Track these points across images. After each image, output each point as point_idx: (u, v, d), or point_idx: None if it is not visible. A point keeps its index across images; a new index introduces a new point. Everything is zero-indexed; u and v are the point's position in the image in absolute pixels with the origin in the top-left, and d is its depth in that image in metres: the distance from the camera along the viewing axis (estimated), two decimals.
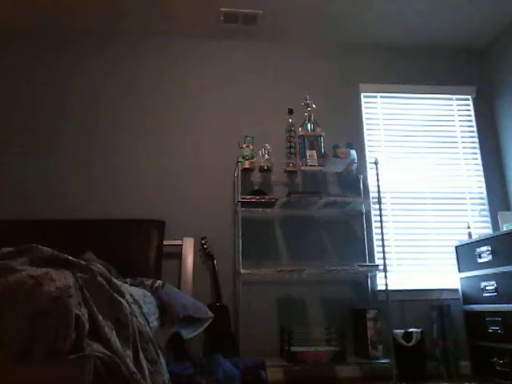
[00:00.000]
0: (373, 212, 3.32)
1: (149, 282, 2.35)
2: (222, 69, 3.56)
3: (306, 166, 3.05)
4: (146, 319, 1.47)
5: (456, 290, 3.13)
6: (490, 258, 2.75)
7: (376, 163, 3.10)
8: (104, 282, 1.26)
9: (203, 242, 3.06)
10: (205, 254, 3.08)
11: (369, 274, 3.13)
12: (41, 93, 3.37)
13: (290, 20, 3.41)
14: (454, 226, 3.37)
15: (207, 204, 3.21)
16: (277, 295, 3.05)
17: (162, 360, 1.39)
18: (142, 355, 1.26)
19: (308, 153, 3.07)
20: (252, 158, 3.09)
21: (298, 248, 3.14)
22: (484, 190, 3.46)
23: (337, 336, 2.90)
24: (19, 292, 1.00)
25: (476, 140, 3.59)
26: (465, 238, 3.15)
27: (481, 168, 3.52)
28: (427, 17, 3.39)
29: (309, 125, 3.16)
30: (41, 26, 3.42)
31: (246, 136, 3.13)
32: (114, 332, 1.19)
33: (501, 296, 2.64)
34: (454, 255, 3.12)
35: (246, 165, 3.05)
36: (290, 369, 2.87)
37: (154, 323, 1.99)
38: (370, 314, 2.84)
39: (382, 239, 2.93)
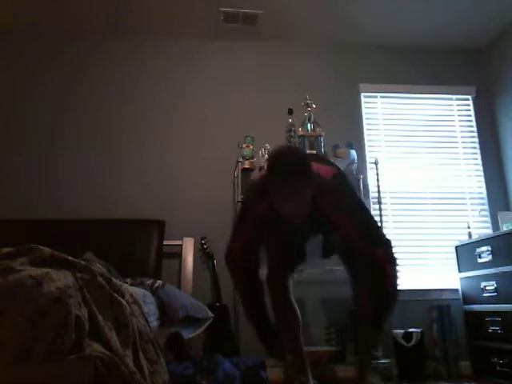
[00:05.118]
0: (373, 212, 3.32)
1: (149, 282, 2.35)
2: (222, 69, 3.56)
3: None
4: (146, 319, 1.47)
5: (456, 290, 3.12)
6: (489, 258, 2.75)
7: (376, 163, 3.10)
8: (104, 282, 1.25)
9: (203, 242, 3.06)
10: (205, 254, 3.07)
11: None
12: (42, 92, 3.37)
13: (289, 20, 3.41)
14: (454, 226, 3.36)
15: (207, 204, 3.21)
16: None
17: (162, 360, 1.39)
18: (141, 355, 1.26)
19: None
20: (252, 158, 3.08)
21: None
22: (484, 190, 3.46)
23: (337, 336, 2.90)
24: (19, 292, 1.00)
25: (476, 140, 3.59)
26: (465, 238, 3.15)
27: (481, 168, 3.51)
28: (427, 17, 3.39)
29: (309, 125, 3.15)
30: (40, 26, 3.41)
31: (246, 136, 3.13)
32: (113, 332, 1.19)
33: (501, 296, 2.64)
34: (454, 255, 3.12)
35: (246, 165, 3.05)
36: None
37: (154, 323, 1.99)
38: None
39: None
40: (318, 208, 1.68)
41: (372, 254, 1.66)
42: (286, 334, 2.05)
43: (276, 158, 1.62)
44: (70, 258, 1.23)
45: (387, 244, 1.71)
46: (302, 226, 1.79)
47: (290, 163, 1.58)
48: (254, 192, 1.85)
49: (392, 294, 1.69)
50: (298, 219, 1.67)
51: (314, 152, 2.88)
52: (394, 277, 1.67)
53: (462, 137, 3.62)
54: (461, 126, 3.65)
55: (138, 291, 1.93)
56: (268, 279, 2.03)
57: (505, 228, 3.02)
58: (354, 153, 3.17)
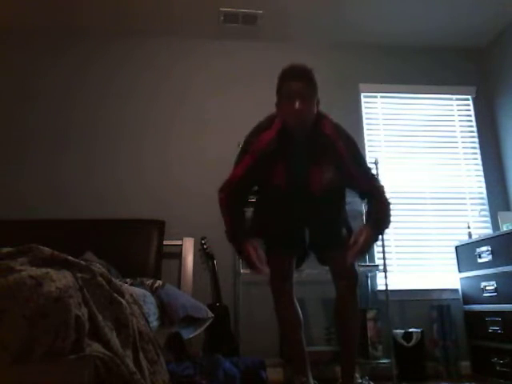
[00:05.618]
0: None
1: (149, 281, 2.35)
2: (222, 69, 3.56)
3: None
4: (146, 319, 1.47)
5: (456, 290, 3.12)
6: (489, 258, 2.75)
7: (376, 163, 3.10)
8: (104, 282, 1.25)
9: (203, 242, 3.06)
10: (205, 254, 3.07)
11: (369, 274, 3.13)
12: (43, 92, 3.37)
13: (289, 20, 3.41)
14: (454, 226, 3.36)
15: (207, 204, 3.20)
16: None
17: (162, 360, 1.39)
18: (141, 355, 1.26)
19: None
20: None
21: None
22: (484, 190, 3.46)
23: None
24: (19, 292, 1.00)
25: (476, 140, 3.59)
26: (465, 238, 3.15)
27: (481, 168, 3.51)
28: (427, 17, 3.39)
29: None
30: (42, 26, 3.41)
31: None
32: (113, 332, 1.19)
33: (501, 296, 2.64)
34: (454, 255, 3.12)
35: None
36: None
37: (154, 323, 1.99)
38: (370, 314, 2.84)
39: (382, 239, 2.93)
40: (321, 129, 1.87)
41: (371, 184, 1.91)
42: (289, 334, 2.05)
43: (289, 65, 1.91)
44: (70, 257, 1.23)
45: (376, 177, 2.01)
46: (303, 151, 1.89)
47: (302, 68, 1.92)
48: (258, 127, 1.97)
49: (388, 221, 1.89)
50: (304, 122, 1.81)
51: None
52: (388, 203, 1.89)
53: (462, 137, 3.62)
54: (461, 126, 3.65)
55: (137, 291, 1.93)
56: (271, 279, 2.04)
57: (505, 228, 3.02)
58: None
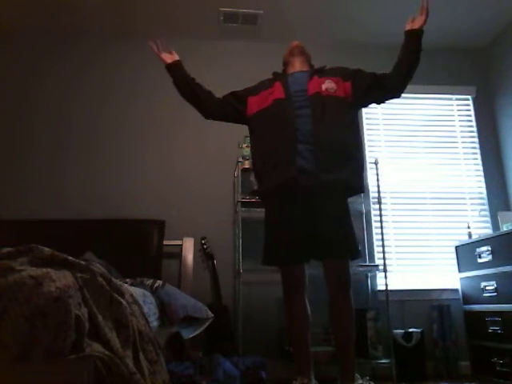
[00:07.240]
0: (373, 212, 3.32)
1: (149, 282, 2.35)
2: (222, 69, 3.55)
3: None
4: (146, 319, 1.47)
5: (456, 290, 3.12)
6: (489, 258, 2.75)
7: (376, 163, 3.10)
8: (104, 283, 1.25)
9: (203, 242, 3.06)
10: (205, 254, 3.07)
11: (369, 274, 3.13)
12: (44, 92, 3.37)
13: (290, 20, 3.41)
14: (454, 226, 3.36)
15: (207, 204, 3.21)
16: (277, 295, 3.04)
17: (162, 360, 1.39)
18: (141, 355, 1.26)
19: None
20: None
21: None
22: (484, 190, 3.46)
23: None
24: (19, 292, 1.00)
25: (476, 140, 3.59)
26: (465, 238, 3.15)
27: (481, 168, 3.51)
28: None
29: None
30: (40, 27, 3.41)
31: (246, 136, 3.12)
32: (113, 332, 1.19)
33: (501, 296, 2.64)
34: (454, 255, 3.12)
35: (246, 165, 3.04)
36: (290, 369, 2.86)
37: (154, 323, 1.99)
38: (370, 313, 2.84)
39: (382, 239, 2.93)
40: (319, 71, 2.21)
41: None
42: (295, 333, 2.04)
43: None
44: (70, 258, 1.24)
45: None
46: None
47: None
48: None
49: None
50: (299, 48, 2.45)
51: None
52: None
53: (462, 137, 3.62)
54: (461, 126, 3.64)
55: (138, 291, 1.93)
56: (283, 279, 2.04)
57: (505, 228, 3.01)
58: None
